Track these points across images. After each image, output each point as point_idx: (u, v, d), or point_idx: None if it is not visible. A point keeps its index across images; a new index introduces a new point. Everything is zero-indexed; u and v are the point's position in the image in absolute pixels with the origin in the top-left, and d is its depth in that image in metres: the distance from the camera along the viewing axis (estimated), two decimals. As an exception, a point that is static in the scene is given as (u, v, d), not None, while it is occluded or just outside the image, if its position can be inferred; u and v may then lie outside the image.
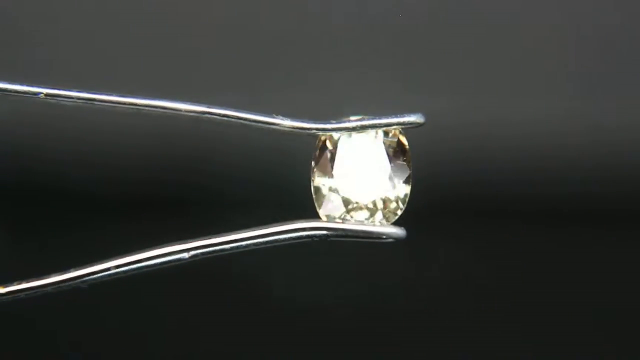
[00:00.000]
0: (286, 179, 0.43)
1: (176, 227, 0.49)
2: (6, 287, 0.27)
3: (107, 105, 0.27)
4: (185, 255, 0.26)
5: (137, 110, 0.26)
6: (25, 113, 0.53)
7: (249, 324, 0.42)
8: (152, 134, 0.54)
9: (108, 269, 0.26)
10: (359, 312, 0.44)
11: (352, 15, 0.56)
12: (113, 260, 0.26)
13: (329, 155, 0.26)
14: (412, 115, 0.26)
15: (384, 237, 0.26)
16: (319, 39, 0.56)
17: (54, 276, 0.27)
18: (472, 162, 0.55)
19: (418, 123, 0.26)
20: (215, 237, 0.26)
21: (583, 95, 0.58)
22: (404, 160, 0.26)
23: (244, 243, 0.26)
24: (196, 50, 0.55)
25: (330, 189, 0.26)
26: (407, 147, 0.26)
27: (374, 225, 0.26)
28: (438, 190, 0.52)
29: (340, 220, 0.27)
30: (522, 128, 0.57)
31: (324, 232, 0.26)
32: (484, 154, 0.56)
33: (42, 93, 0.26)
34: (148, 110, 0.26)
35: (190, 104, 0.25)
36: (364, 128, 0.26)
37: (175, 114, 0.26)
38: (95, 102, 0.27)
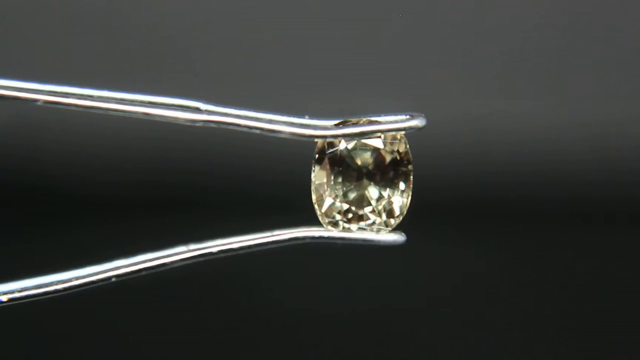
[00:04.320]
0: (286, 178, 0.43)
1: (173, 226, 0.49)
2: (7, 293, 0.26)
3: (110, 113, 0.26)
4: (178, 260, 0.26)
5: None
6: (24, 114, 0.52)
7: (247, 329, 0.42)
8: (149, 135, 0.53)
9: (109, 279, 0.26)
10: (359, 314, 0.44)
11: (351, 15, 0.56)
12: (111, 265, 0.26)
13: (328, 159, 0.26)
14: (414, 119, 0.25)
15: (383, 243, 0.26)
16: (316, 42, 0.56)
17: (58, 283, 0.26)
18: (472, 162, 0.55)
19: (420, 127, 0.25)
20: (208, 243, 0.26)
21: (583, 96, 0.58)
22: (405, 165, 0.26)
23: (238, 252, 0.25)
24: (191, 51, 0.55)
25: (330, 193, 0.26)
26: (409, 151, 0.26)
27: (373, 231, 0.26)
28: (437, 190, 0.52)
29: (339, 225, 0.26)
30: (521, 128, 0.57)
31: (322, 240, 0.25)
32: (484, 155, 0.56)
33: (40, 100, 0.26)
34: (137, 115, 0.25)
35: (186, 112, 0.25)
36: (364, 134, 0.25)
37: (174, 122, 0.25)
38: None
